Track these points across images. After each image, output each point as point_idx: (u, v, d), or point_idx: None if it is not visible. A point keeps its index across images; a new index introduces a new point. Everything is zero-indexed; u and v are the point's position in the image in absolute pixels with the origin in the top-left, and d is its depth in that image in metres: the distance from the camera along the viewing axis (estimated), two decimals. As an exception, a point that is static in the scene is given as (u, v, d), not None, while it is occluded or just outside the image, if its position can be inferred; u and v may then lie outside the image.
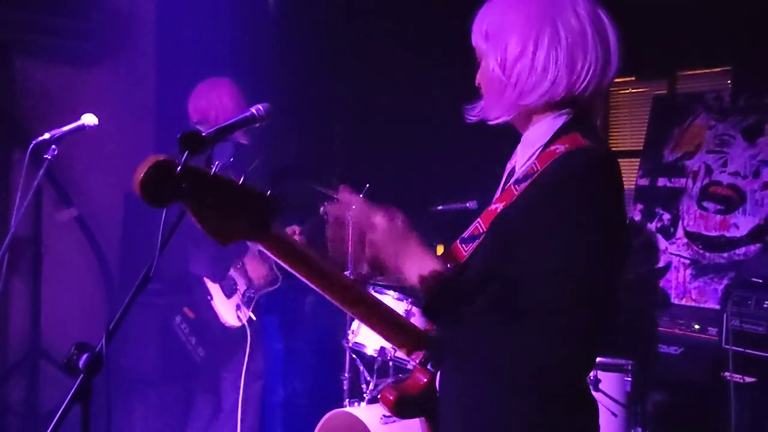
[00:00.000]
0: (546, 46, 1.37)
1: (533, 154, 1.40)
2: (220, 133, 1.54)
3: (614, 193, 1.31)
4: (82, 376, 1.40)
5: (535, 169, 1.35)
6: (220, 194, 1.16)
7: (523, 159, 1.43)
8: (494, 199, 1.47)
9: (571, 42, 1.36)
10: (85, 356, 1.42)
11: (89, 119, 2.40)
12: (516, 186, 1.39)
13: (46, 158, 2.35)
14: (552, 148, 1.36)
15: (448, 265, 1.40)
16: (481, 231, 1.40)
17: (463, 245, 1.43)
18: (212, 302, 3.26)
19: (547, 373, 1.28)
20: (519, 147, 1.48)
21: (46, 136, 2.33)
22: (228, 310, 3.26)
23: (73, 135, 2.43)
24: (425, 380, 1.47)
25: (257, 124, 1.66)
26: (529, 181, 1.35)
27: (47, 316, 3.84)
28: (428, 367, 1.45)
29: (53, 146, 2.35)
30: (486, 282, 1.32)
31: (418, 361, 1.46)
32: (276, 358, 3.89)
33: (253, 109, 1.66)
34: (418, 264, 1.36)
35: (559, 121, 1.40)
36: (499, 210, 1.38)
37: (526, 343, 1.26)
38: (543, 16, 1.38)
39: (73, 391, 1.41)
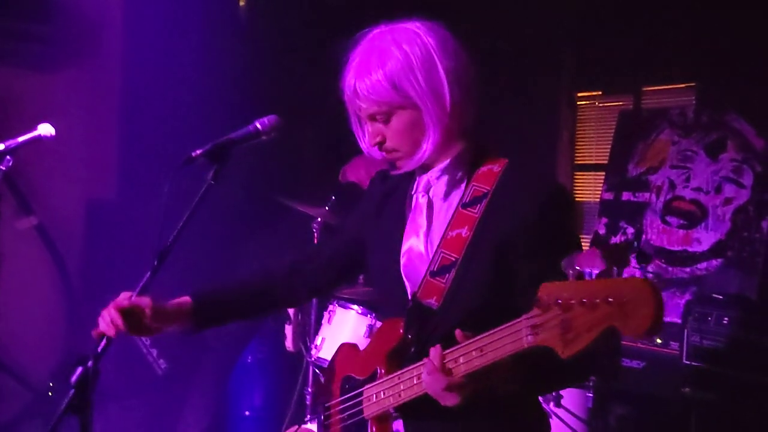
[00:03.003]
0: (459, 74, 1.43)
1: (459, 179, 1.47)
2: (219, 149, 1.51)
3: None
4: (72, 391, 1.41)
5: (485, 189, 1.41)
6: None
7: (445, 186, 1.48)
8: (432, 225, 1.48)
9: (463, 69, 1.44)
10: (78, 370, 1.40)
11: (46, 129, 2.35)
12: (470, 209, 1.42)
13: (1, 169, 2.30)
14: (484, 169, 1.44)
15: (432, 300, 1.40)
16: (455, 258, 1.41)
17: (438, 278, 1.43)
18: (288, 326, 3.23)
19: None
20: (427, 178, 1.50)
21: (1, 147, 2.28)
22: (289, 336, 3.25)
23: (30, 145, 2.38)
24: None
25: (264, 138, 1.55)
26: (485, 201, 1.40)
27: (5, 327, 3.74)
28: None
29: (8, 157, 2.30)
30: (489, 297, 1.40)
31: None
32: (242, 372, 3.85)
33: (257, 123, 1.55)
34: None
35: (470, 149, 1.48)
36: (466, 235, 1.40)
37: None
38: (432, 50, 1.42)
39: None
